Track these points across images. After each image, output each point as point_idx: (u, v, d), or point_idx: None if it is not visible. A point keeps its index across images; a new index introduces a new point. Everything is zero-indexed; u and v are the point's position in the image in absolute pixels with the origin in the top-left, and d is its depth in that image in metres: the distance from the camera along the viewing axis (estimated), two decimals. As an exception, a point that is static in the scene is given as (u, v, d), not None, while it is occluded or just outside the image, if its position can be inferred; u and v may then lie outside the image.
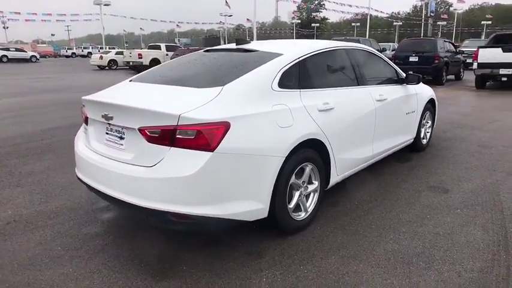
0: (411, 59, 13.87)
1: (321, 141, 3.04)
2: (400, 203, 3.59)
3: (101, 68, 28.35)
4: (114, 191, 2.59)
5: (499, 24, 75.76)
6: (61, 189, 3.95)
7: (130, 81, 3.38)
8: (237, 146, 2.43)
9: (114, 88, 3.25)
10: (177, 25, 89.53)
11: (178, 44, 39.07)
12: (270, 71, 2.87)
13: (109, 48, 43.01)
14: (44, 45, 79.70)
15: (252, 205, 2.58)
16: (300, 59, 3.13)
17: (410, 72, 4.65)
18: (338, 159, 3.28)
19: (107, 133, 2.81)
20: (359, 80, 3.77)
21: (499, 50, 11.61)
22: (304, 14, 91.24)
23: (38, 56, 44.31)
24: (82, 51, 63.92)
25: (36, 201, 3.67)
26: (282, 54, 3.08)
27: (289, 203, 2.88)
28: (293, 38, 61.97)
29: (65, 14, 73.91)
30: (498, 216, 3.30)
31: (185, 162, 2.33)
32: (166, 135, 2.35)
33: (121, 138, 2.67)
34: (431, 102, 5.28)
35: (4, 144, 5.74)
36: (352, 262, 2.62)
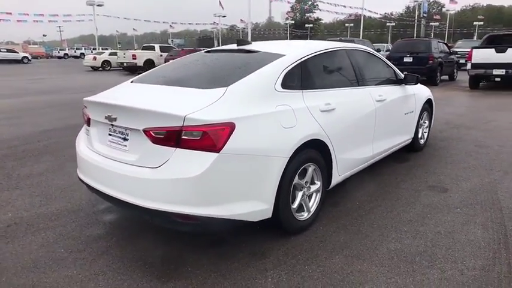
0: (406, 59, 13.98)
1: (323, 141, 3.06)
2: (400, 202, 3.62)
3: (95, 69, 28.22)
4: (117, 193, 2.58)
5: (490, 25, 76.65)
6: (61, 191, 3.93)
7: (131, 82, 3.38)
8: (242, 146, 2.44)
9: (116, 89, 3.24)
10: (171, 26, 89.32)
11: (172, 45, 38.90)
12: (273, 72, 2.89)
13: (102, 49, 42.74)
14: (36, 46, 79.05)
15: (257, 205, 2.59)
16: (302, 59, 3.15)
17: (406, 73, 4.69)
18: (339, 159, 3.30)
19: (109, 134, 2.80)
20: (359, 81, 3.79)
21: (493, 50, 11.74)
22: (298, 14, 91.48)
23: (29, 57, 43.95)
24: (75, 52, 63.49)
25: (36, 203, 3.65)
26: (284, 55, 3.10)
27: (292, 203, 2.89)
28: (287, 39, 62.08)
29: (57, 15, 73.24)
30: (497, 215, 3.34)
31: (191, 163, 2.33)
32: (172, 136, 2.36)
33: (125, 139, 2.67)
34: (428, 102, 5.33)
35: (1, 147, 5.69)
36: (356, 261, 2.64)
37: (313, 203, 3.14)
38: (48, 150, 5.52)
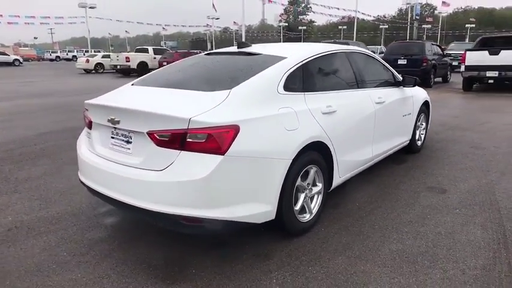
0: (400, 61, 14.09)
1: (324, 143, 3.08)
2: (400, 203, 3.65)
3: (87, 71, 28.01)
4: (120, 195, 2.57)
5: (482, 27, 77.47)
6: (60, 195, 3.91)
7: (132, 84, 3.37)
8: (246, 149, 2.45)
9: (117, 92, 3.24)
10: (163, 28, 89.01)
11: (165, 47, 38.81)
12: (275, 74, 2.91)
13: (95, 52, 42.46)
14: (27, 48, 78.17)
15: (261, 207, 2.60)
16: (303, 62, 3.18)
17: (404, 75, 4.73)
18: (340, 161, 3.33)
19: (112, 137, 2.79)
20: (359, 83, 3.83)
21: (486, 52, 11.88)
22: (291, 17, 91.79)
23: (21, 60, 43.53)
24: (67, 54, 63.15)
25: (36, 207, 3.62)
26: (285, 58, 3.12)
27: (295, 205, 2.91)
28: (280, 41, 62.22)
29: (49, 17, 72.42)
30: (496, 215, 3.38)
31: (196, 165, 2.34)
32: (177, 139, 2.36)
33: (128, 142, 2.67)
34: (425, 104, 5.39)
35: (-3, 150, 5.65)
36: (359, 262, 2.66)
37: (315, 205, 3.16)
38: (45, 153, 5.49)
